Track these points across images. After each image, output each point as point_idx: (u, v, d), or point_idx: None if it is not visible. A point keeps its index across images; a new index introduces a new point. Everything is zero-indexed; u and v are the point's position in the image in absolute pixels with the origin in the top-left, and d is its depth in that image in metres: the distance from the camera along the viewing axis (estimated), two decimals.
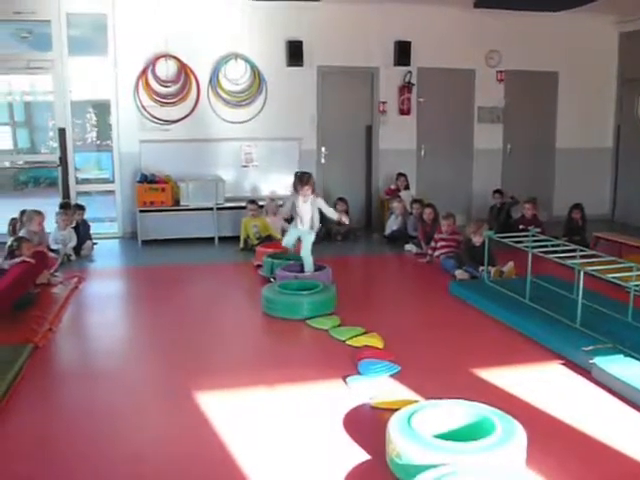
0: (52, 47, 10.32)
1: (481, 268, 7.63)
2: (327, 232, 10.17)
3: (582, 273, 5.75)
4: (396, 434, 3.52)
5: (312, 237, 7.48)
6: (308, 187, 7.32)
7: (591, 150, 12.63)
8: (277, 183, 10.96)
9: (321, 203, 7.53)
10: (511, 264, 7.80)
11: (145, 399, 4.69)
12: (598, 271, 5.72)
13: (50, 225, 9.20)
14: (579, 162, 12.50)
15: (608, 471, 3.69)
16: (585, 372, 5.00)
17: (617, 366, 4.83)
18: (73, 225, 9.40)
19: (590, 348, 5.17)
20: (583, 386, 4.83)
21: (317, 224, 7.55)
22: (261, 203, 10.24)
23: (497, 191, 11.23)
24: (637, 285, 5.19)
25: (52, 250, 8.78)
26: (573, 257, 6.27)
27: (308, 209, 7.40)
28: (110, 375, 5.17)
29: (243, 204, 10.22)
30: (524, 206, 10.00)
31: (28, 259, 7.16)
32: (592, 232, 9.57)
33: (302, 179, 7.36)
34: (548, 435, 4.02)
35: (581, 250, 6.50)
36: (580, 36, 12.05)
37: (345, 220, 7.92)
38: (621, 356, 5.04)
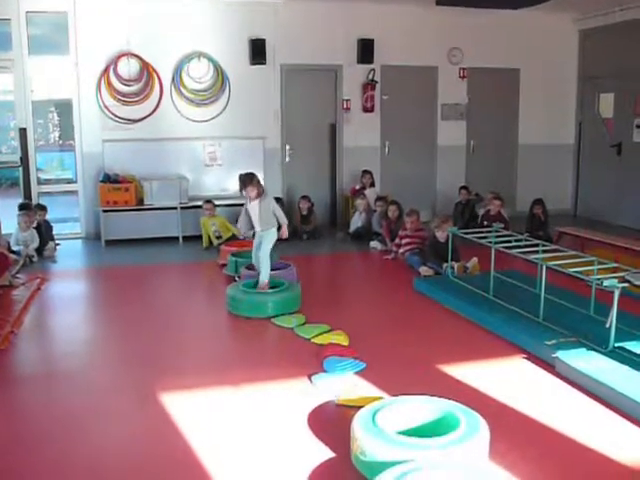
0: (12, 46, 10.17)
1: (445, 264, 7.66)
2: (292, 230, 10.18)
3: (545, 267, 5.81)
4: (360, 431, 3.51)
5: (270, 236, 6.90)
6: (252, 188, 6.87)
7: (553, 146, 12.76)
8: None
9: (271, 203, 7.02)
10: (475, 260, 7.85)
11: (108, 400, 4.63)
12: (560, 265, 5.78)
13: (11, 226, 9.08)
14: (541, 158, 12.64)
15: (570, 463, 3.72)
16: (548, 366, 5.05)
17: (580, 359, 4.88)
18: (34, 225, 9.27)
19: (553, 342, 5.22)
20: (546, 380, 4.87)
21: (272, 221, 6.93)
22: (218, 202, 10.24)
23: (463, 187, 11.28)
24: (598, 279, 5.23)
25: (13, 251, 8.67)
26: (536, 252, 6.34)
27: (256, 210, 6.91)
28: (73, 377, 5.11)
29: None
30: (493, 202, 10.01)
31: None
32: (555, 227, 9.66)
33: (245, 181, 6.91)
34: (512, 429, 4.06)
35: (543, 245, 6.57)
36: (541, 33, 12.19)
37: (283, 235, 7.09)
38: (584, 349, 5.09)
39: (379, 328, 6.18)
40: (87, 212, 10.73)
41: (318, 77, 11.54)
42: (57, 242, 9.88)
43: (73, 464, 3.75)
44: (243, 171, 6.92)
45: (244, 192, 7.00)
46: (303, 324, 6.11)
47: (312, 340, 5.67)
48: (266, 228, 6.89)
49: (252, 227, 7.05)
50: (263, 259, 6.81)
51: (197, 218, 10.13)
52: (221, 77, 10.91)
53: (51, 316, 7.00)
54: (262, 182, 10.87)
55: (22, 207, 9.61)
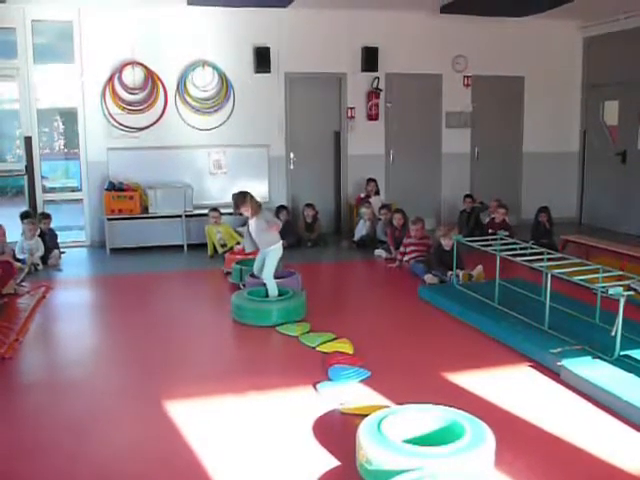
0: (17, 54, 10.21)
1: (450, 272, 7.65)
2: (297, 238, 10.22)
3: (550, 275, 5.80)
4: (366, 440, 3.51)
5: (273, 254, 6.77)
6: (245, 208, 6.70)
7: (558, 154, 12.74)
8: (246, 190, 10.85)
9: (266, 217, 6.91)
10: (480, 268, 7.84)
11: (114, 408, 4.63)
12: (565, 273, 5.76)
13: (15, 234, 9.08)
14: (546, 166, 12.62)
15: (577, 473, 3.71)
16: (554, 374, 5.03)
17: (585, 368, 4.86)
18: (38, 233, 9.26)
19: (558, 350, 5.20)
20: (552, 388, 4.86)
21: (269, 239, 6.77)
22: (224, 210, 10.19)
23: (468, 196, 11.29)
24: (604, 287, 5.22)
25: (18, 260, 8.68)
26: (541, 260, 6.32)
27: (253, 228, 6.82)
28: (78, 385, 5.11)
29: None
30: (497, 210, 10.03)
31: None
32: (560, 235, 9.64)
33: (237, 202, 6.75)
34: (517, 438, 4.04)
35: (548, 253, 6.55)
36: (545, 41, 12.20)
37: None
38: (589, 358, 5.07)
39: (384, 336, 6.17)
40: (92, 220, 10.75)
41: (322, 85, 11.56)
42: (62, 250, 9.90)
43: (79, 471, 3.75)
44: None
45: (239, 213, 6.92)
46: (308, 332, 6.10)
47: (317, 348, 5.65)
48: (267, 247, 6.79)
49: (256, 246, 6.99)
50: (267, 280, 6.77)
51: (202, 226, 10.12)
52: (225, 85, 10.93)
53: (56, 324, 7.00)
54: (266, 190, 11.00)
55: (23, 216, 9.58)
